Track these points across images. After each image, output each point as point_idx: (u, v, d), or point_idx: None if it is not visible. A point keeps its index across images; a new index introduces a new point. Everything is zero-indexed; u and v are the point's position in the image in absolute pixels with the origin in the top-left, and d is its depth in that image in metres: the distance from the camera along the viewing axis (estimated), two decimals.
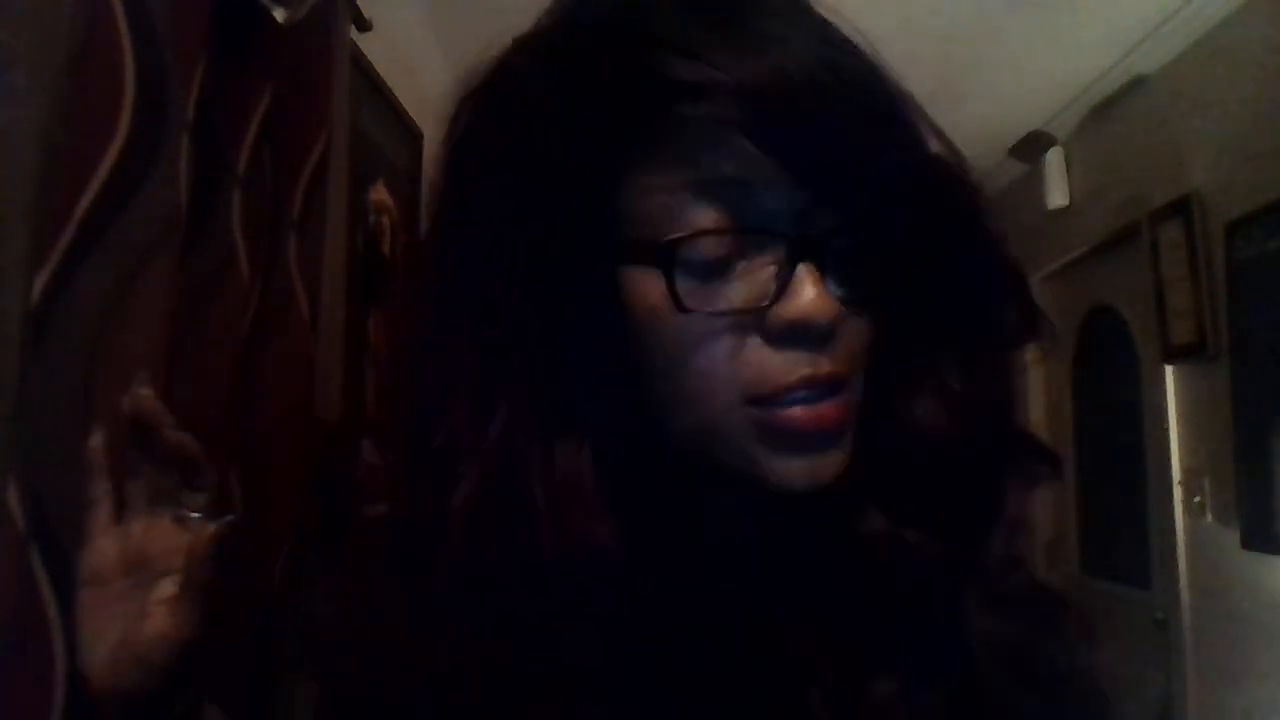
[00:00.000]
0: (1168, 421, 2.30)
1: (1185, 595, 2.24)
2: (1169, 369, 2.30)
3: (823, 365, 0.43)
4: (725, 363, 0.43)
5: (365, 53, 1.53)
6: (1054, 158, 2.80)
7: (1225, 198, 2.06)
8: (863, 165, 0.42)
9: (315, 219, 1.11)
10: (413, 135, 1.90)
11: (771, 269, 0.43)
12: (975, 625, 0.47)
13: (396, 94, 1.78)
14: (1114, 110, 2.55)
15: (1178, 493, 2.27)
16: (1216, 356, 2.08)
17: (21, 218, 0.69)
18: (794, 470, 0.44)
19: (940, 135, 0.48)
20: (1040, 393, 3.06)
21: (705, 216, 0.42)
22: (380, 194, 1.63)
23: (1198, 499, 2.19)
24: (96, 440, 0.50)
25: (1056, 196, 2.78)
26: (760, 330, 0.43)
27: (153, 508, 0.51)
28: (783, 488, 0.45)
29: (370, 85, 1.63)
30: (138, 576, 0.50)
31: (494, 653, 0.43)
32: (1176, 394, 2.29)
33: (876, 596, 0.46)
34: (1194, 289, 2.13)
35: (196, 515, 0.51)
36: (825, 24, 0.46)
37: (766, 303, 0.42)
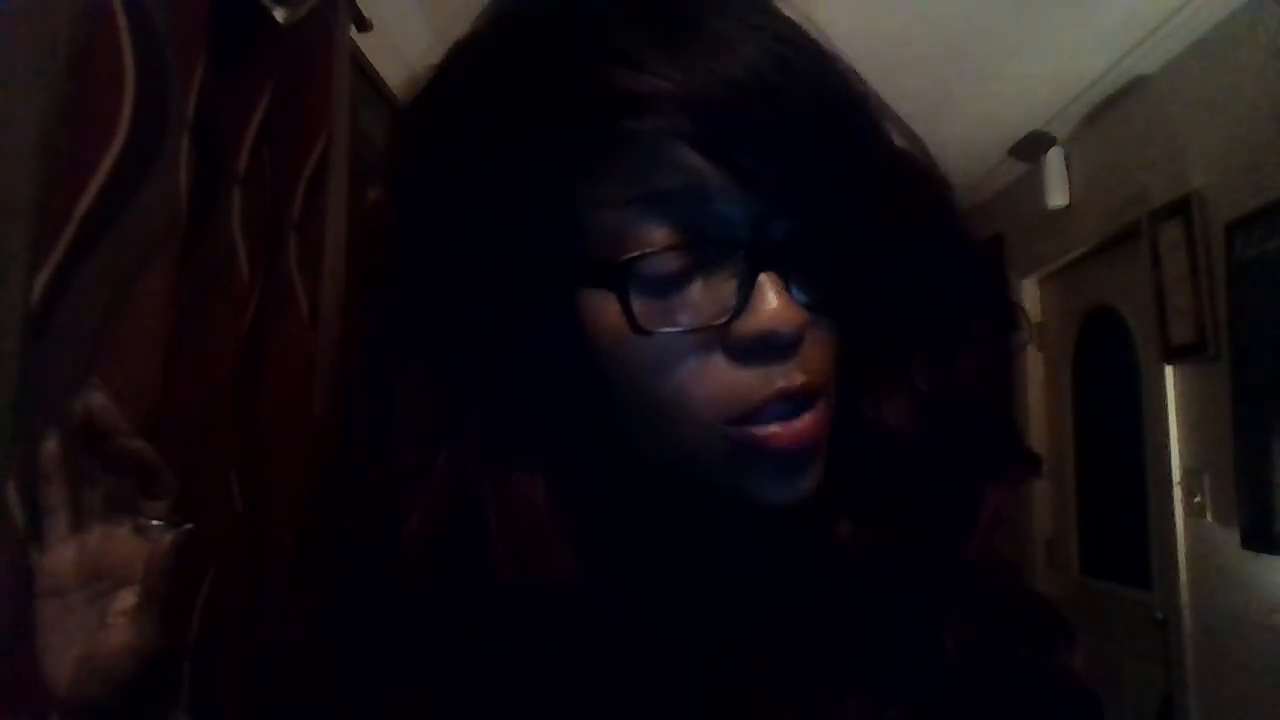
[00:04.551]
0: (1168, 421, 2.30)
1: (1185, 595, 2.24)
2: (1169, 369, 2.29)
3: (794, 378, 0.42)
4: (693, 383, 0.42)
5: (365, 53, 1.53)
6: (1054, 158, 2.80)
7: (1225, 198, 2.05)
8: (818, 167, 0.41)
9: (315, 219, 1.11)
10: None
11: (732, 281, 0.41)
12: (951, 632, 0.45)
13: (396, 94, 1.77)
14: (1114, 110, 2.55)
15: (1178, 493, 2.27)
16: (1216, 356, 2.08)
17: (21, 218, 0.69)
18: (773, 491, 0.43)
19: (905, 129, 0.47)
20: (1040, 393, 3.06)
21: (658, 232, 0.40)
22: (380, 194, 1.62)
23: (1198, 499, 2.18)
24: (50, 447, 0.48)
25: (1056, 196, 2.78)
26: (725, 347, 0.41)
27: (110, 516, 0.49)
28: (762, 505, 0.44)
29: (370, 85, 1.63)
30: (97, 587, 0.48)
31: (456, 686, 0.42)
32: (1176, 394, 2.29)
33: (849, 606, 0.45)
34: (1194, 289, 2.13)
35: (157, 523, 0.49)
36: (780, 21, 0.44)
37: (728, 317, 0.41)
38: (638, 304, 0.40)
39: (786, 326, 0.40)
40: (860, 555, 0.45)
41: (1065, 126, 2.76)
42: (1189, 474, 2.24)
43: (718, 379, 0.42)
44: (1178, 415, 2.28)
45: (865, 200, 0.42)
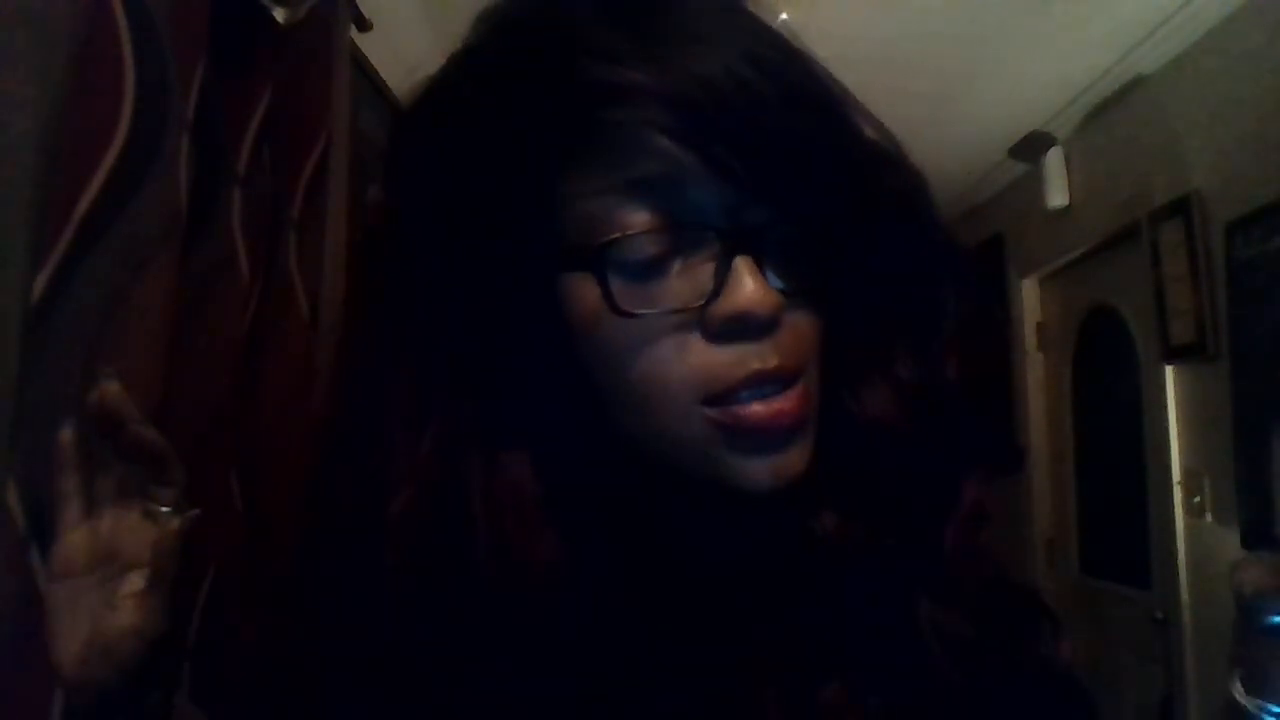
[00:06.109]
0: (1168, 421, 2.30)
1: (1185, 595, 2.24)
2: (1169, 369, 2.29)
3: (770, 359, 0.43)
4: (671, 365, 0.43)
5: (365, 53, 1.53)
6: (1054, 158, 2.80)
7: (1225, 198, 2.05)
8: (791, 158, 0.42)
9: (315, 219, 1.11)
10: None
11: (709, 265, 0.42)
12: (930, 622, 0.46)
13: (396, 94, 1.78)
14: (1114, 110, 2.55)
15: (1178, 493, 2.27)
16: (1216, 356, 2.08)
17: (21, 218, 0.69)
18: (757, 470, 0.44)
19: (876, 124, 0.48)
20: (1040, 393, 3.06)
21: (637, 217, 0.42)
22: (381, 194, 1.62)
23: (1198, 499, 2.18)
24: (66, 435, 0.49)
25: (1056, 196, 2.78)
26: (702, 328, 0.43)
27: (121, 502, 0.50)
28: (747, 489, 0.44)
29: (370, 85, 1.63)
30: (106, 570, 0.49)
31: (440, 673, 0.43)
32: (1176, 394, 2.29)
33: (829, 596, 0.46)
34: (1194, 289, 2.13)
35: (165, 509, 0.50)
36: (753, 20, 0.46)
37: (705, 300, 0.42)
38: (617, 287, 0.42)
39: (761, 308, 0.42)
40: (842, 546, 0.46)
41: (1065, 126, 2.76)
42: (1189, 474, 2.24)
43: (694, 359, 0.43)
44: (1178, 415, 2.28)
45: (838, 191, 0.44)
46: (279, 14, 1.03)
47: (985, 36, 2.25)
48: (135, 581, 0.49)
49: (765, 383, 0.43)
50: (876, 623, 0.46)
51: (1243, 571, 0.60)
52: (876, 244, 0.46)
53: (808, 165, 0.43)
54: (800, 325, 0.45)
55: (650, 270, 0.43)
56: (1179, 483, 2.27)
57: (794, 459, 0.44)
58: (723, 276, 0.42)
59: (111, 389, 0.47)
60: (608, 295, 0.42)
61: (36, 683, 0.63)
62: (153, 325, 0.76)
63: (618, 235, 0.42)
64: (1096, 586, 2.75)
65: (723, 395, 0.43)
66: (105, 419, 0.48)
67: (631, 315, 0.42)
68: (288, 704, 0.49)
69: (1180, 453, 2.27)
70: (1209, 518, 2.15)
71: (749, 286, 0.41)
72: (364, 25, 1.37)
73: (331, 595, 0.47)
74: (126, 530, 0.50)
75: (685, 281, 0.43)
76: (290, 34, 1.05)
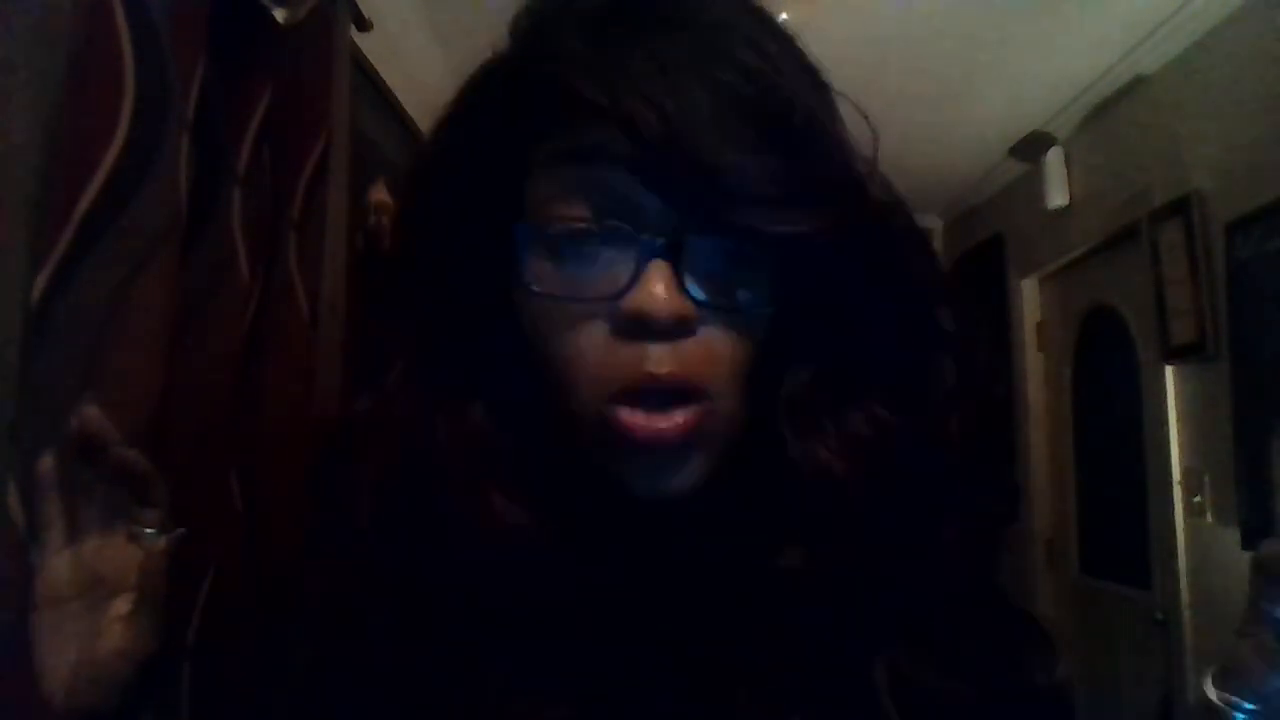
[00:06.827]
0: (1168, 421, 2.30)
1: (1185, 595, 2.24)
2: (1169, 369, 2.29)
3: (663, 366, 0.43)
4: (579, 352, 0.44)
5: (365, 53, 1.53)
6: (1054, 158, 2.79)
7: (1225, 198, 2.05)
8: (725, 188, 0.42)
9: (315, 219, 1.11)
10: (413, 135, 1.90)
11: (632, 265, 0.44)
12: (891, 671, 0.45)
13: (396, 94, 1.78)
14: (1114, 110, 2.55)
15: (1178, 493, 2.26)
16: (1216, 356, 2.08)
17: (21, 218, 0.69)
18: (635, 479, 0.45)
19: (856, 157, 0.47)
20: (1040, 393, 3.06)
21: (574, 208, 0.44)
22: (380, 194, 1.62)
23: (1198, 499, 2.18)
24: (46, 462, 0.50)
25: (1056, 196, 2.78)
26: (610, 322, 0.44)
27: (105, 526, 0.51)
28: (632, 492, 0.45)
29: (370, 85, 1.63)
30: (93, 595, 0.49)
31: (437, 673, 0.44)
32: (1176, 394, 2.29)
33: (797, 632, 0.45)
34: (1194, 289, 2.13)
35: (150, 531, 0.50)
36: (750, 38, 0.45)
37: (615, 295, 0.43)
38: (546, 270, 0.44)
39: (662, 310, 0.42)
40: (808, 583, 0.45)
41: (1065, 126, 2.75)
42: (1189, 474, 2.24)
43: (599, 351, 0.44)
44: (1178, 415, 2.28)
45: (782, 222, 0.43)
46: (279, 14, 1.03)
47: (985, 36, 2.25)
48: (122, 605, 0.49)
49: (654, 388, 0.43)
50: (843, 656, 0.45)
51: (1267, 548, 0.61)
52: (846, 279, 0.46)
53: (746, 195, 0.42)
54: (716, 342, 0.45)
55: (578, 260, 0.44)
56: (1179, 483, 2.26)
57: (677, 477, 0.45)
58: (635, 275, 0.43)
59: (91, 413, 0.48)
60: (523, 273, 0.45)
61: (36, 684, 0.63)
62: (153, 325, 0.76)
63: (544, 218, 0.45)
64: (1096, 586, 2.75)
65: (618, 395, 0.44)
66: (86, 443, 0.48)
67: (543, 296, 0.44)
68: (287, 704, 0.49)
69: (1180, 453, 2.27)
70: (1209, 518, 2.15)
71: (655, 288, 0.42)
72: (364, 25, 1.37)
73: (331, 582, 0.48)
74: (111, 554, 0.50)
75: (607, 276, 0.44)
76: (290, 34, 1.05)
